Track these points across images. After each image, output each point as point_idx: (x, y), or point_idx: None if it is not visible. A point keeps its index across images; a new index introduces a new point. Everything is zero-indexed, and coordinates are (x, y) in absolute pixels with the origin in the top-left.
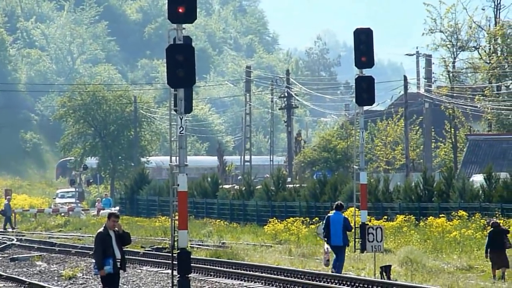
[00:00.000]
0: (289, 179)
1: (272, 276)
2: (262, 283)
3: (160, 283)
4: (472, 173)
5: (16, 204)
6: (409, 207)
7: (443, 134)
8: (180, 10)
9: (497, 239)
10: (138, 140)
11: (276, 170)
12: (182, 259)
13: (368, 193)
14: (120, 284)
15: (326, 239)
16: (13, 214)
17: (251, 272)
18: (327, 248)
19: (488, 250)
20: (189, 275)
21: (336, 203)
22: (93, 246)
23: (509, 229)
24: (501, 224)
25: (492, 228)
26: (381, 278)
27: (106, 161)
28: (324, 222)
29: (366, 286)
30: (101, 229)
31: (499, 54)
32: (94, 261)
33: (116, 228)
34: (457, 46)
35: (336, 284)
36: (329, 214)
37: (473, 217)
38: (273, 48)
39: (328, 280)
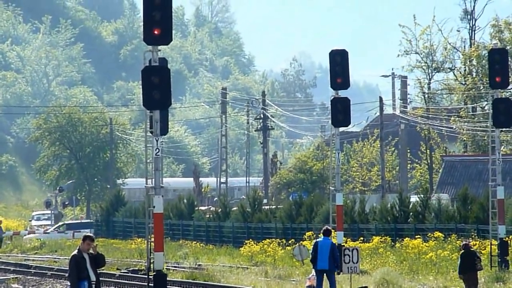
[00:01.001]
0: (265, 201)
1: None
2: None
3: None
4: (449, 194)
5: None
6: (385, 228)
7: (418, 155)
8: (156, 32)
9: (468, 261)
10: (113, 162)
11: (252, 191)
12: (158, 281)
13: (344, 214)
14: None
15: (312, 263)
16: None
17: None
18: (312, 275)
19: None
20: None
21: (324, 228)
22: (68, 269)
23: (478, 253)
24: (471, 247)
25: (463, 250)
26: None
27: (82, 183)
28: (312, 247)
29: None
30: (75, 252)
31: (474, 75)
32: (69, 283)
33: (91, 250)
34: (432, 68)
35: None
36: (317, 240)
37: (449, 238)
38: (249, 70)
39: None
